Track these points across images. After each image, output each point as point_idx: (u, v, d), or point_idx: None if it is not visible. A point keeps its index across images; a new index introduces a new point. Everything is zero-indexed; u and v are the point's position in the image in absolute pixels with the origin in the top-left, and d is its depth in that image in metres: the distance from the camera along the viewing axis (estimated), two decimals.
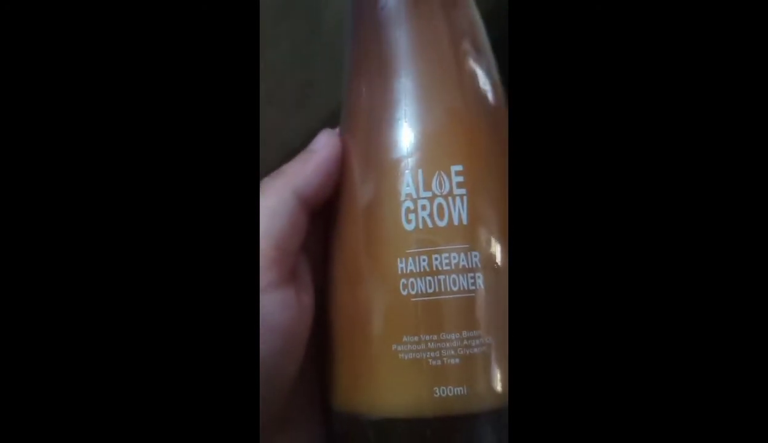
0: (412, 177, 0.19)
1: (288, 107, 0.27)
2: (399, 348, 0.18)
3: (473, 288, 0.18)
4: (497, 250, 0.19)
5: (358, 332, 0.19)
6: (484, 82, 0.21)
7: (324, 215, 0.21)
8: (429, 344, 0.18)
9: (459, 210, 0.18)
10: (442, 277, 0.18)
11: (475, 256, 0.18)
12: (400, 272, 0.18)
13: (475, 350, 0.18)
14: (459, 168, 0.19)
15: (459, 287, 0.18)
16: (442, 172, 0.19)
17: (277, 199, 0.19)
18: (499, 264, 0.19)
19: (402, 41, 0.20)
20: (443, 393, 0.18)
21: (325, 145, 0.20)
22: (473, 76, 0.20)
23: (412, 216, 0.19)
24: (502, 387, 0.18)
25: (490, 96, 0.20)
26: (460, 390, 0.18)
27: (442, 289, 0.18)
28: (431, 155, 0.19)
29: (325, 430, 0.21)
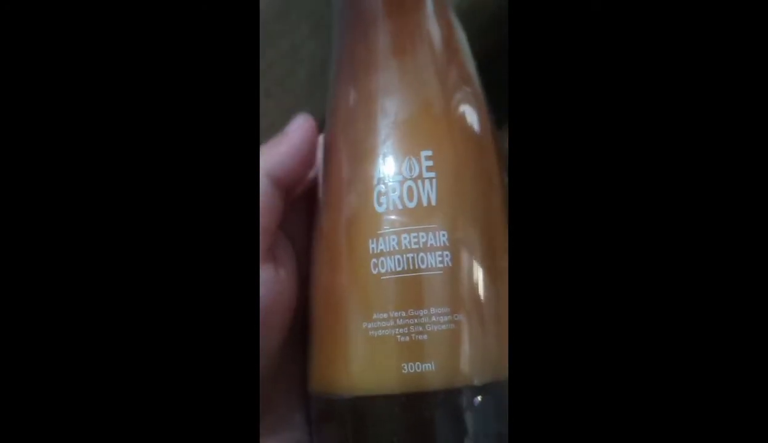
0: (384, 162, 0.20)
1: (292, 100, 0.28)
2: (369, 326, 0.19)
3: (441, 265, 0.19)
4: (467, 230, 0.19)
5: (332, 313, 0.20)
6: (458, 74, 0.21)
7: (308, 203, 0.22)
8: (398, 320, 0.18)
9: (428, 192, 0.19)
10: (410, 255, 0.19)
11: (443, 235, 0.19)
12: (371, 252, 0.19)
13: (443, 326, 0.18)
14: (429, 153, 0.20)
15: (427, 265, 0.19)
16: (412, 157, 0.19)
17: None
18: (470, 242, 0.19)
19: (381, 40, 0.21)
20: (411, 369, 0.18)
21: (298, 127, 0.21)
22: (448, 70, 0.21)
23: (383, 199, 0.19)
24: (473, 364, 0.18)
25: (464, 87, 0.21)
26: (428, 366, 0.18)
27: (411, 267, 0.19)
28: (402, 142, 0.20)
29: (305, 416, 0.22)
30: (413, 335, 0.18)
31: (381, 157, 0.20)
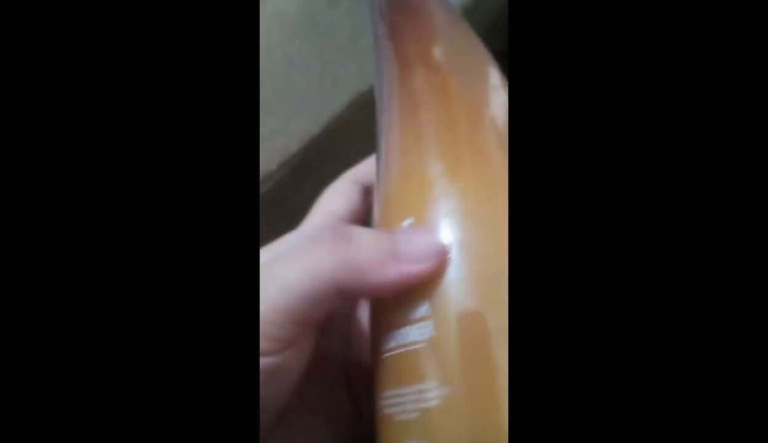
0: None
1: (288, 112, 0.27)
2: (381, 404, 0.19)
3: (422, 338, 0.18)
4: (449, 296, 0.18)
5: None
6: (464, 141, 0.20)
7: None
8: (394, 399, 0.18)
9: None
10: (395, 331, 0.19)
11: (425, 306, 0.18)
12: (380, 331, 0.20)
13: (432, 403, 0.17)
14: (410, 221, 0.19)
15: (409, 339, 0.18)
16: (395, 229, 0.19)
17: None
18: (454, 310, 0.18)
19: (385, 115, 0.22)
20: None
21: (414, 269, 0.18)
22: (445, 137, 0.20)
23: None
24: (467, 439, 0.17)
25: (467, 151, 0.20)
26: None
27: (398, 344, 0.18)
28: (388, 212, 0.20)
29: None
30: (406, 414, 0.18)
31: (374, 226, 0.20)
